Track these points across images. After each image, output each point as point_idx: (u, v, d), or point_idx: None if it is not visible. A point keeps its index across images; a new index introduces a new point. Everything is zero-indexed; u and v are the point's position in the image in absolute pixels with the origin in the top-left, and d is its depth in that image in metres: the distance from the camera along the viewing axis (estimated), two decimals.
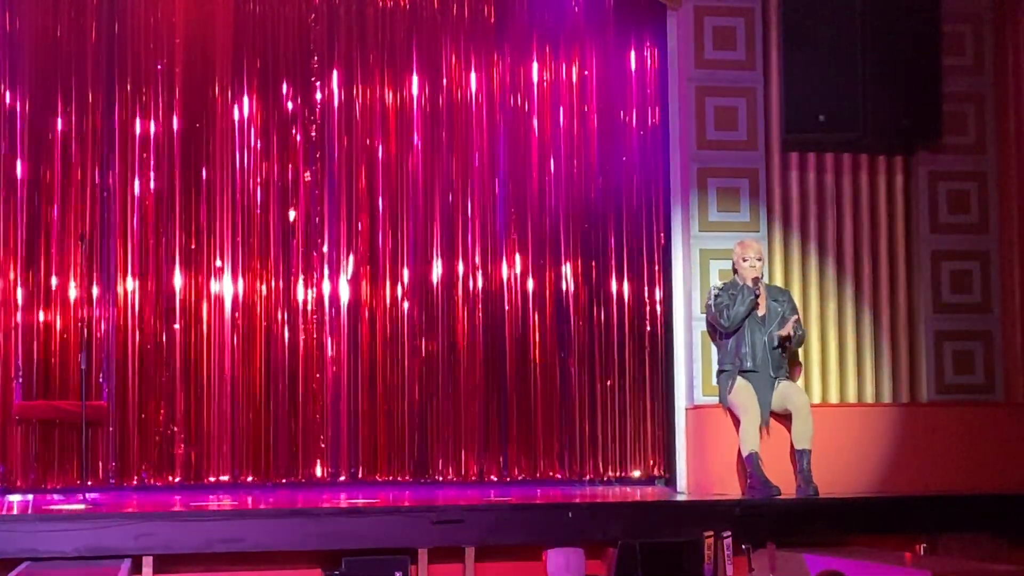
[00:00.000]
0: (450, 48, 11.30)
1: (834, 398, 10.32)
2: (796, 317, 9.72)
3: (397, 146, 11.16)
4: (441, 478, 10.98)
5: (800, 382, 10.15)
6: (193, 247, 10.80)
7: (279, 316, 10.88)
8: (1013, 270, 10.56)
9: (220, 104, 10.92)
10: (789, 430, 9.60)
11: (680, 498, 10.04)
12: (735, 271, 9.88)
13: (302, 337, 10.90)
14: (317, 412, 10.86)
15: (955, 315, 10.54)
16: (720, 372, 9.83)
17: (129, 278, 10.67)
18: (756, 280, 9.68)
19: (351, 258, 11.03)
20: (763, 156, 10.40)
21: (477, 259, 11.18)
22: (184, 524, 8.23)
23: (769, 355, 9.64)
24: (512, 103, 11.33)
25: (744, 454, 9.49)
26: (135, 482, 10.53)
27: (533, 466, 11.09)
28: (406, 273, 11.09)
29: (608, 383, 11.19)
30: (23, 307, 10.50)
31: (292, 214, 10.98)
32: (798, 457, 9.47)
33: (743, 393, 9.61)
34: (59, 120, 10.67)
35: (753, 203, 10.31)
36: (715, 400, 10.01)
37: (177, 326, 10.73)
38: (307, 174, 11.04)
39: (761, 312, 9.66)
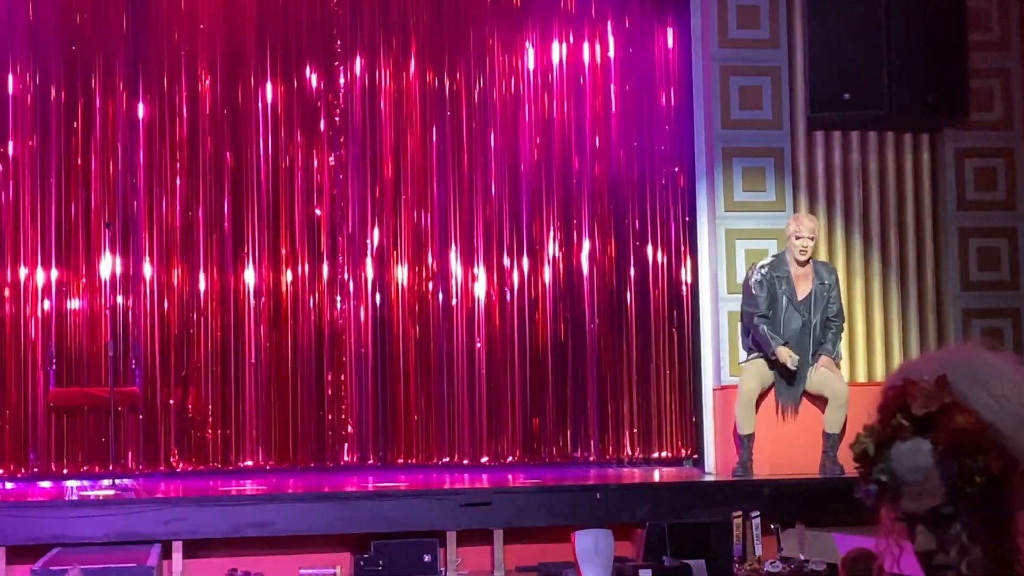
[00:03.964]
0: (474, 31, 11.28)
1: (862, 377, 10.28)
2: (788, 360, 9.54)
3: (422, 130, 11.16)
4: (469, 461, 10.99)
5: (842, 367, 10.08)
6: (219, 232, 10.83)
7: (306, 301, 10.91)
8: None
9: (244, 90, 10.94)
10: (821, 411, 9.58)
11: (708, 478, 10.04)
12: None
13: (329, 321, 10.93)
14: (345, 396, 10.89)
15: (983, 293, 10.49)
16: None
17: (157, 263, 10.71)
18: (803, 263, 9.54)
19: (377, 242, 11.04)
20: (788, 135, 10.36)
21: (502, 240, 11.17)
22: (213, 509, 8.27)
23: (810, 340, 9.53)
24: (536, 85, 11.31)
25: (738, 431, 9.56)
26: (164, 468, 10.58)
27: (562, 448, 11.10)
28: (431, 256, 11.09)
29: (635, 364, 11.17)
30: (54, 294, 10.55)
31: (317, 198, 10.99)
32: (826, 438, 9.44)
33: (750, 377, 9.56)
34: (83, 107, 10.70)
35: (779, 182, 10.27)
36: None
37: (206, 311, 10.76)
38: (331, 158, 11.05)
39: (802, 296, 9.54)
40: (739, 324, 10.08)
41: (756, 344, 9.62)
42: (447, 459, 10.97)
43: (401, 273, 11.07)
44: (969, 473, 2.05)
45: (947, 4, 10.30)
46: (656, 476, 10.40)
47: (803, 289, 9.56)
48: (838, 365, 9.71)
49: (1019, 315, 10.52)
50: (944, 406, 2.08)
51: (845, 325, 10.19)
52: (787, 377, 9.54)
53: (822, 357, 9.55)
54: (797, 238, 9.52)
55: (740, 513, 8.15)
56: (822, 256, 10.29)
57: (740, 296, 10.07)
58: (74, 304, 10.58)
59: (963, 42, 10.34)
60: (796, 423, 9.64)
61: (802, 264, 9.54)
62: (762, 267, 9.62)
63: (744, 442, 9.52)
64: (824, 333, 9.58)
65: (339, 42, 11.14)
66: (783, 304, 9.51)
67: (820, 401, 9.59)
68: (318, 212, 10.99)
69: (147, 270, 10.69)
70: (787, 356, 9.39)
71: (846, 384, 9.65)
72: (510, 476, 10.22)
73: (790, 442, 9.59)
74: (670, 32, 11.35)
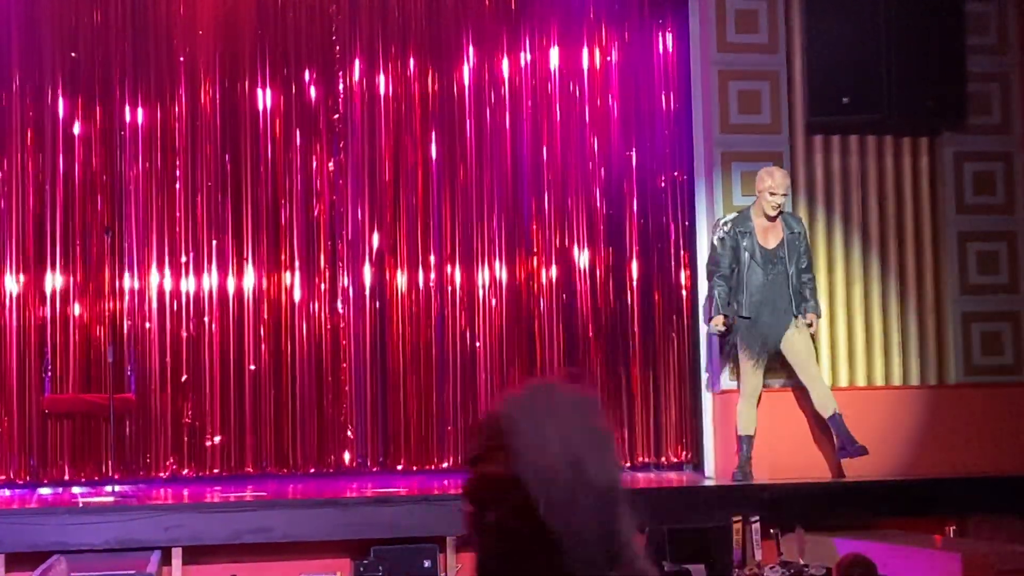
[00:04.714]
0: (472, 36, 11.28)
1: (861, 381, 10.28)
2: (815, 316, 9.58)
3: (420, 134, 11.16)
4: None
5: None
6: (218, 238, 10.82)
7: (305, 306, 10.90)
8: None
9: (243, 94, 10.94)
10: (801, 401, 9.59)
11: (708, 483, 10.03)
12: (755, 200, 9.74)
13: (328, 327, 10.92)
14: (344, 402, 10.88)
15: (982, 296, 10.49)
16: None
17: (155, 270, 10.70)
18: (773, 218, 9.57)
19: (375, 248, 11.03)
20: (787, 139, 10.35)
21: (500, 246, 11.17)
22: (213, 515, 8.27)
23: (788, 289, 9.51)
24: (534, 89, 11.30)
25: (738, 431, 9.56)
26: (163, 474, 10.57)
27: None
28: (431, 262, 11.08)
29: (634, 369, 11.17)
30: (51, 301, 10.54)
31: (316, 204, 10.99)
32: (831, 424, 9.41)
33: (747, 357, 9.54)
34: (82, 113, 10.70)
35: None
36: None
37: (205, 317, 10.76)
38: (330, 163, 11.04)
39: (772, 245, 9.56)
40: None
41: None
42: (447, 464, 10.96)
43: (400, 278, 11.06)
44: (479, 522, 1.99)
45: (946, 8, 10.30)
46: (656, 481, 10.38)
47: (772, 240, 9.57)
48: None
49: (1018, 319, 10.51)
50: (487, 449, 2.02)
51: (843, 328, 10.20)
52: (766, 333, 9.50)
53: (810, 315, 9.55)
54: (772, 194, 9.53)
55: (740, 518, 8.14)
56: (821, 260, 10.28)
57: None
58: (71, 311, 10.57)
59: (962, 46, 10.34)
60: (796, 427, 9.63)
61: (771, 219, 9.57)
62: (725, 223, 9.68)
63: (743, 444, 9.51)
64: (803, 289, 9.56)
65: (338, 47, 11.14)
66: (745, 260, 9.54)
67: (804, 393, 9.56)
68: (317, 217, 10.97)
69: (146, 277, 10.68)
70: (717, 324, 9.48)
71: (812, 348, 9.63)
72: None
73: (789, 446, 9.59)
74: (669, 36, 11.34)
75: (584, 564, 1.95)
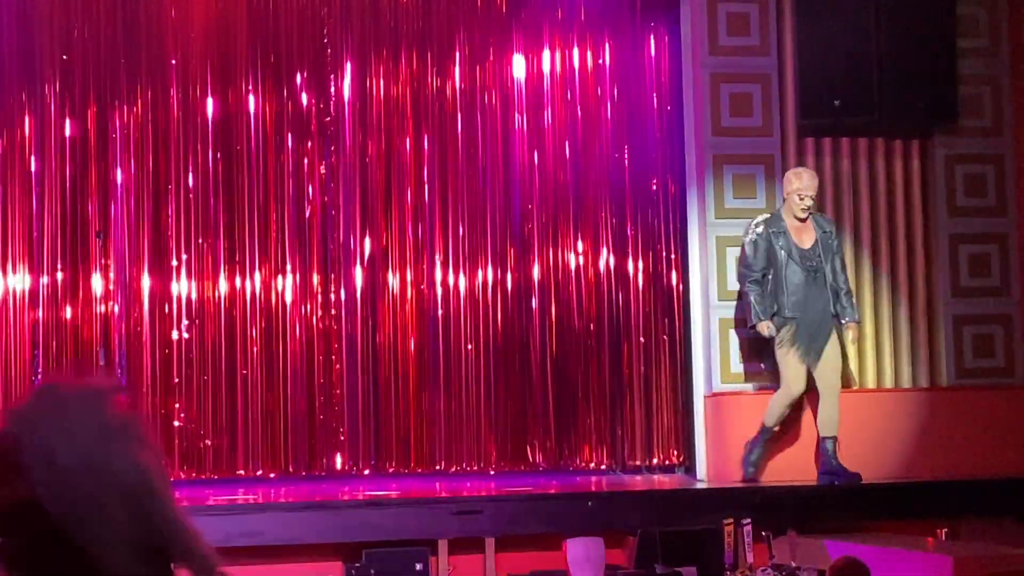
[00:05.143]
0: (463, 38, 11.27)
1: (853, 384, 10.29)
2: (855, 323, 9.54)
3: (412, 138, 11.15)
4: (460, 469, 10.96)
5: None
6: (210, 241, 10.81)
7: (296, 309, 10.89)
8: None
9: (234, 97, 10.92)
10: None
11: (700, 486, 10.03)
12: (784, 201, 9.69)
13: (320, 330, 10.90)
14: (336, 404, 10.87)
15: (974, 299, 10.50)
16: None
17: (147, 273, 10.69)
18: (803, 220, 9.49)
19: (367, 251, 11.02)
20: (779, 142, 10.36)
21: (493, 248, 11.16)
22: (203, 519, 8.24)
23: (826, 288, 9.41)
24: (525, 92, 11.30)
25: (764, 421, 9.47)
26: None
27: (553, 456, 11.08)
28: (423, 265, 11.07)
29: (626, 372, 11.16)
30: (42, 304, 10.52)
31: (307, 207, 10.98)
32: (822, 446, 9.39)
33: (792, 360, 9.39)
34: (73, 115, 10.69)
35: (769, 189, 10.27)
36: (734, 387, 10.00)
37: (195, 320, 10.74)
38: (322, 167, 11.03)
39: (807, 245, 9.47)
40: (730, 330, 10.09)
41: (765, 298, 9.47)
42: (439, 467, 10.95)
43: (392, 281, 11.04)
44: (6, 554, 1.76)
45: (937, 11, 10.32)
46: (648, 483, 10.38)
47: (807, 240, 9.48)
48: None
49: (1010, 321, 10.52)
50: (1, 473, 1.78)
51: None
52: (811, 337, 9.36)
53: (850, 325, 9.49)
54: (800, 197, 9.46)
55: (731, 520, 8.14)
56: None
57: (732, 303, 10.09)
58: (62, 314, 10.56)
59: (953, 49, 10.36)
60: (788, 430, 9.63)
61: (802, 220, 9.50)
62: (757, 225, 9.56)
63: (761, 435, 9.42)
64: (839, 291, 9.46)
65: (330, 50, 11.13)
66: (782, 259, 9.43)
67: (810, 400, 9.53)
68: (308, 220, 10.96)
69: (137, 279, 10.66)
70: (765, 328, 9.37)
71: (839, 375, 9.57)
72: (501, 484, 10.20)
73: (782, 449, 9.59)
74: (660, 39, 11.34)
75: (129, 566, 1.74)
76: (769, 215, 9.65)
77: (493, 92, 11.28)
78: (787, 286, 9.38)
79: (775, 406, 9.44)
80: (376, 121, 11.12)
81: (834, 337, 9.46)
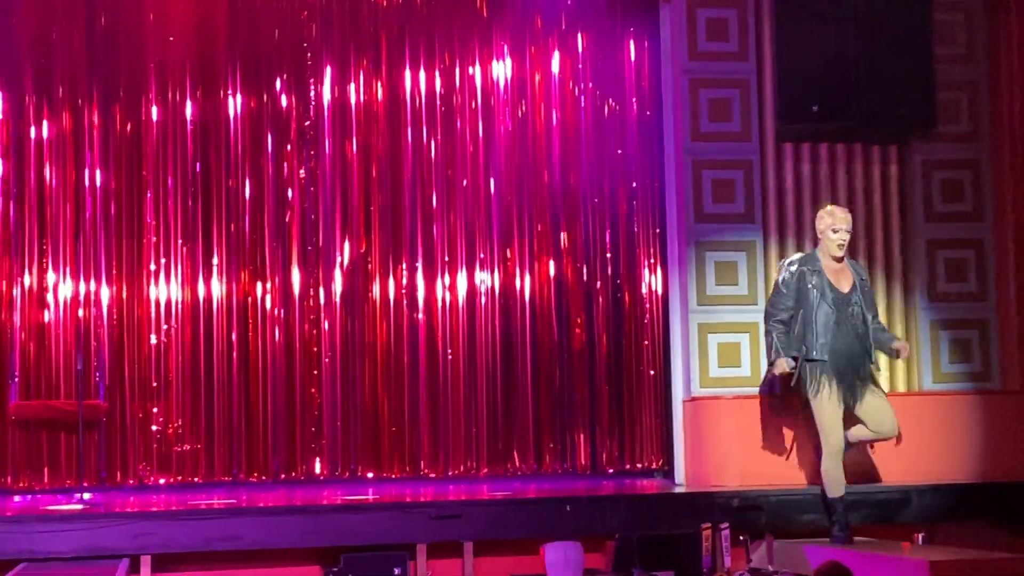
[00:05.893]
0: (443, 43, 11.27)
1: None
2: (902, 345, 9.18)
3: (391, 142, 11.15)
4: (439, 473, 10.96)
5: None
6: (189, 245, 10.79)
7: (275, 313, 10.87)
8: (1008, 258, 10.56)
9: (214, 102, 10.91)
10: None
11: (678, 490, 10.04)
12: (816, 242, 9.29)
13: (299, 334, 10.89)
14: (315, 409, 10.86)
15: (951, 304, 10.52)
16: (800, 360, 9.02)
17: (125, 276, 10.66)
18: (840, 259, 9.04)
19: (347, 255, 11.01)
20: (757, 147, 10.38)
21: (473, 252, 11.16)
22: (182, 523, 8.24)
23: (868, 335, 8.98)
24: (505, 96, 11.31)
25: (828, 495, 8.92)
26: (133, 481, 10.53)
27: (532, 460, 11.08)
28: (402, 269, 11.07)
29: (606, 376, 11.17)
30: (19, 306, 10.49)
31: (287, 211, 10.96)
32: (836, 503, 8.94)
33: (828, 405, 8.87)
34: (50, 119, 10.66)
35: (748, 194, 10.29)
36: (712, 392, 10.00)
37: (175, 324, 10.72)
38: (302, 171, 11.02)
39: (846, 289, 9.03)
40: (709, 335, 10.10)
41: (791, 339, 9.02)
42: (418, 471, 10.94)
43: (372, 285, 11.04)
44: None
45: (915, 17, 10.36)
46: (626, 488, 10.39)
47: (844, 283, 9.05)
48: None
49: (986, 326, 10.55)
50: None
51: None
52: (835, 373, 8.87)
53: (897, 343, 9.11)
54: (835, 231, 9.05)
55: (709, 525, 8.16)
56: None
57: (709, 308, 10.10)
58: (38, 317, 10.52)
59: (930, 55, 10.40)
60: (766, 433, 9.65)
61: (838, 260, 9.08)
62: (791, 263, 9.16)
63: (836, 506, 8.85)
64: (879, 336, 9.05)
65: (309, 54, 11.13)
66: (814, 299, 8.95)
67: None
68: (288, 224, 10.95)
69: (116, 283, 10.63)
70: (784, 364, 8.92)
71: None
72: (480, 488, 10.21)
73: (759, 453, 9.61)
74: (640, 45, 11.36)
75: None
76: (804, 254, 9.34)
77: (473, 96, 11.28)
78: (816, 327, 8.91)
79: (829, 474, 8.85)
80: (356, 125, 11.11)
81: (874, 386, 9.05)
